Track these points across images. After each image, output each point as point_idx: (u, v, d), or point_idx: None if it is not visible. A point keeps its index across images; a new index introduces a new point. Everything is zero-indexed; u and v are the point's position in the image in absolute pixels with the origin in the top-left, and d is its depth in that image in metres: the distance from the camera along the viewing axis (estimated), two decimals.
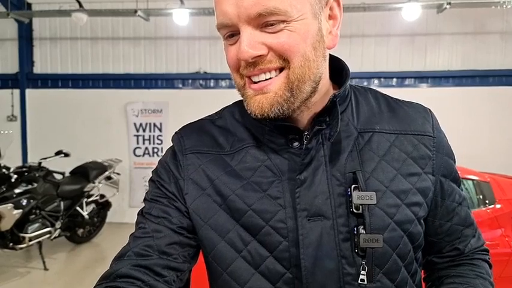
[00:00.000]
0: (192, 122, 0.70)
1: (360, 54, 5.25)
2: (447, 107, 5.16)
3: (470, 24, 5.15)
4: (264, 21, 0.52)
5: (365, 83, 5.34)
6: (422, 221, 0.61)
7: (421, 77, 5.29)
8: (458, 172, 0.68)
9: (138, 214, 0.64)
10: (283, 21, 0.52)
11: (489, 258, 0.69)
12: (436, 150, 0.63)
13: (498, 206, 2.44)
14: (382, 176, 0.59)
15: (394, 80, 5.36)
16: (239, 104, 0.67)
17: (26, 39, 5.42)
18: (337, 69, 0.64)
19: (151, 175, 0.67)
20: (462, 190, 0.68)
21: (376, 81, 5.37)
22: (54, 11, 4.90)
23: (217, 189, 0.60)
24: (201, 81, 5.45)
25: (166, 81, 5.44)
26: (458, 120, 5.13)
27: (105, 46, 5.45)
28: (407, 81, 5.34)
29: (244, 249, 0.58)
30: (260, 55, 0.53)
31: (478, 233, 0.69)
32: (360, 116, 0.63)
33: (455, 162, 0.67)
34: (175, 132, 0.69)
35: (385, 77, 5.34)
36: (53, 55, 5.51)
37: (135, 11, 4.59)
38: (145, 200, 0.65)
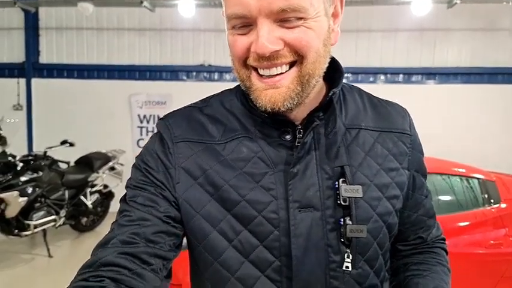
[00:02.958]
0: (178, 110, 0.69)
1: (366, 49, 5.18)
2: (455, 105, 5.11)
3: (480, 21, 5.06)
4: (283, 17, 0.52)
5: (371, 79, 5.28)
6: (398, 213, 0.66)
7: (429, 74, 5.22)
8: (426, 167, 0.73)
9: (120, 201, 0.63)
10: (300, 18, 0.52)
11: (446, 246, 0.76)
12: (412, 147, 0.68)
13: (503, 205, 2.42)
14: (367, 170, 0.62)
15: (401, 76, 5.29)
16: (228, 93, 0.68)
17: (32, 28, 5.42)
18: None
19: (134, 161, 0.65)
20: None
21: (382, 76, 5.30)
22: (60, 1, 4.89)
23: (209, 179, 0.60)
24: (205, 74, 5.44)
25: (171, 73, 5.43)
26: (467, 118, 5.07)
27: (111, 37, 5.44)
28: (414, 78, 5.27)
29: (235, 238, 0.59)
30: (277, 50, 0.53)
31: (437, 223, 0.76)
32: (348, 112, 0.66)
33: (423, 156, 0.72)
34: (161, 119, 0.68)
35: (392, 72, 5.28)
36: (59, 45, 5.51)
37: (141, 2, 4.56)
38: (128, 187, 0.63)
